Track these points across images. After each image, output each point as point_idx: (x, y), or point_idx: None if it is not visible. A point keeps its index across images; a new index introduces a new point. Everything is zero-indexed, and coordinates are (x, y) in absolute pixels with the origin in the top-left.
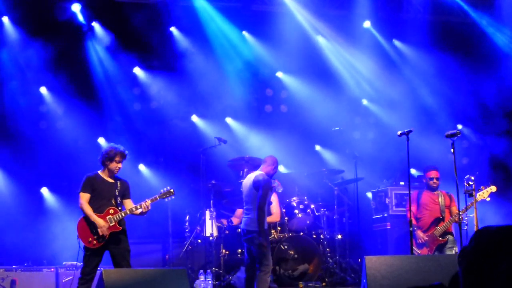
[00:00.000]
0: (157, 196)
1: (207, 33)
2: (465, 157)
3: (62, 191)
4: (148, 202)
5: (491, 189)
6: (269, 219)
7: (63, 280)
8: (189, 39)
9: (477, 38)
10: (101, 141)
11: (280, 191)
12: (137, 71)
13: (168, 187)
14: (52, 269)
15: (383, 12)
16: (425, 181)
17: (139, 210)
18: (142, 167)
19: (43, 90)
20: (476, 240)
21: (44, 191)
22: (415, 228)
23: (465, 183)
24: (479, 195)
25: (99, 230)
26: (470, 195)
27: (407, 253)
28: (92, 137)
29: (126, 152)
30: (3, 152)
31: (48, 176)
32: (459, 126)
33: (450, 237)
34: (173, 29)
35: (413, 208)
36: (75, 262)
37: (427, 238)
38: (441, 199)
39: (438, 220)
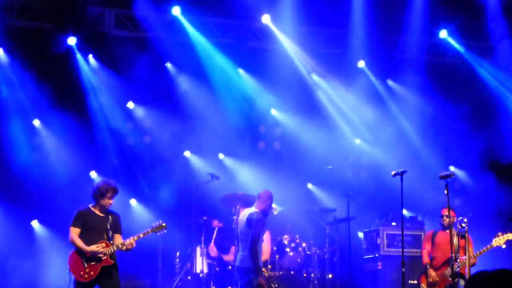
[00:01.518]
0: (149, 229)
1: (202, 69)
2: (457, 198)
3: (53, 224)
4: (133, 239)
5: (508, 236)
6: None
7: None
8: (184, 74)
9: (473, 82)
10: (93, 174)
11: (276, 213)
12: (131, 105)
13: (160, 221)
14: None
15: (378, 52)
16: (441, 220)
17: (124, 247)
18: (133, 202)
19: (36, 122)
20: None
21: (35, 224)
22: (428, 267)
23: (458, 225)
24: (495, 241)
25: (94, 250)
26: (462, 237)
27: None
28: (84, 170)
29: (118, 188)
30: None
31: (39, 208)
32: (452, 168)
33: (462, 281)
34: (168, 64)
35: (427, 246)
36: None
37: (437, 278)
38: (456, 239)
39: (449, 261)
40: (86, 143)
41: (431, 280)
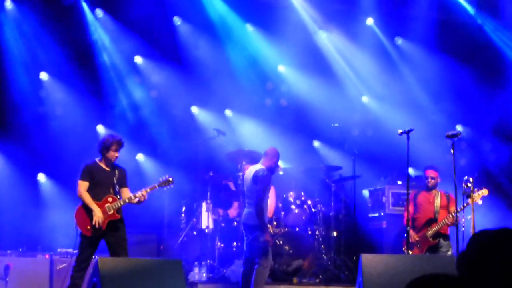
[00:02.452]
0: (155, 184)
1: (210, 24)
2: (463, 158)
3: (59, 177)
4: (145, 191)
5: (482, 192)
6: None
7: (57, 267)
8: (192, 29)
9: (483, 42)
10: (100, 128)
11: (281, 173)
12: (138, 59)
13: (167, 176)
14: (47, 256)
15: (386, 8)
16: (425, 180)
17: (136, 199)
18: (140, 156)
19: (43, 75)
20: (473, 245)
21: (41, 177)
22: (408, 228)
23: (463, 185)
24: (471, 199)
25: (94, 219)
26: (468, 196)
27: (403, 253)
28: (91, 124)
29: (123, 140)
30: (1, 136)
31: (45, 162)
32: (459, 127)
33: (442, 240)
34: (176, 18)
35: (411, 208)
36: (71, 249)
37: (418, 239)
38: (437, 200)
39: (431, 221)
40: (93, 97)
41: (412, 240)
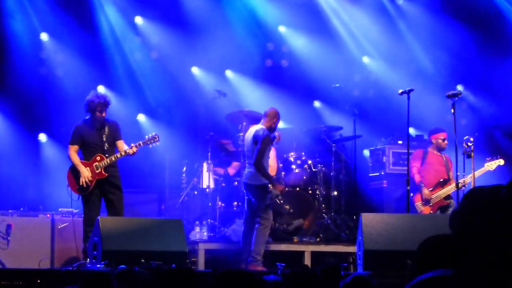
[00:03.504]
0: (140, 142)
1: None
2: (464, 118)
3: (60, 138)
4: (130, 150)
5: (499, 161)
6: None
7: (59, 226)
8: None
9: (486, 3)
10: (101, 89)
11: (277, 139)
12: (138, 20)
13: (154, 133)
14: (48, 215)
15: None
16: (435, 141)
17: (124, 154)
18: (141, 117)
19: (44, 36)
20: (465, 202)
21: (42, 137)
22: (422, 185)
23: (464, 144)
24: (487, 165)
25: (81, 179)
26: (469, 156)
27: (403, 212)
28: (92, 84)
29: (108, 100)
30: (1, 97)
31: (47, 122)
32: (459, 87)
33: (452, 201)
34: None
35: (417, 164)
36: (72, 209)
37: (433, 197)
38: (445, 162)
39: (443, 182)
40: (94, 57)
41: (426, 197)
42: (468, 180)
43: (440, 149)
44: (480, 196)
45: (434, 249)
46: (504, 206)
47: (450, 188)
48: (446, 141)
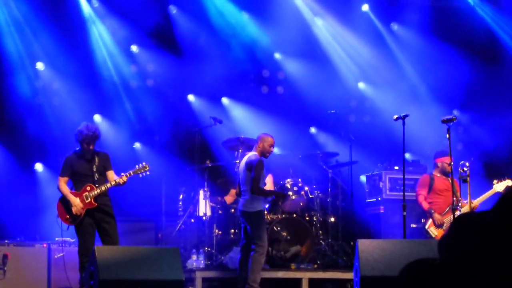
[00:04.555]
0: (131, 171)
1: (206, 12)
2: (460, 143)
3: (56, 167)
4: (120, 179)
5: (507, 182)
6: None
7: (55, 256)
8: (188, 17)
9: (479, 27)
10: (97, 118)
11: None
12: (134, 48)
13: (144, 163)
14: (45, 245)
15: None
16: (440, 164)
17: (114, 184)
18: (137, 145)
19: (40, 65)
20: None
21: (38, 166)
22: (432, 211)
23: (459, 169)
24: (497, 186)
25: (72, 208)
26: (464, 181)
27: (400, 238)
28: (88, 114)
29: (98, 133)
30: None
31: (42, 152)
32: (455, 112)
33: None
34: (172, 7)
35: (424, 192)
36: (69, 238)
37: (445, 221)
38: (452, 185)
39: (454, 206)
40: (90, 86)
41: (438, 222)
42: (479, 201)
43: (445, 173)
44: (468, 221)
45: (415, 274)
46: (491, 230)
47: (463, 211)
48: (450, 165)
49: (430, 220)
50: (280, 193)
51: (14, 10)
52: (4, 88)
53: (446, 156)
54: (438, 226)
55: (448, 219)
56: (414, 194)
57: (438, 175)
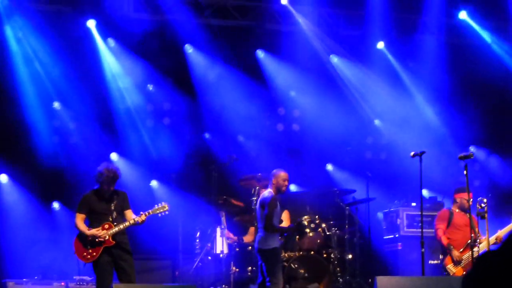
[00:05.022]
0: (150, 211)
1: (221, 51)
2: (477, 179)
3: (73, 205)
4: (139, 218)
5: None
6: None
7: None
8: (203, 56)
9: (493, 63)
10: (114, 156)
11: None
12: (150, 87)
13: (163, 203)
14: (63, 283)
15: (396, 33)
16: (459, 200)
17: (132, 222)
18: (154, 183)
19: (57, 104)
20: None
21: (56, 205)
22: (451, 248)
23: (477, 205)
24: None
25: (98, 235)
26: (482, 217)
27: (419, 275)
28: (105, 152)
29: (117, 174)
30: (15, 165)
31: (60, 190)
32: (472, 149)
33: None
34: (187, 46)
35: (443, 226)
36: (86, 277)
37: (463, 258)
38: (471, 221)
39: (472, 242)
40: (106, 125)
41: (457, 260)
42: (503, 233)
43: (463, 209)
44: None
45: None
46: None
47: (481, 247)
48: (470, 202)
49: (448, 257)
50: (292, 228)
51: (30, 50)
52: (22, 128)
53: (465, 192)
54: (457, 263)
55: (466, 256)
56: (432, 230)
57: (457, 210)
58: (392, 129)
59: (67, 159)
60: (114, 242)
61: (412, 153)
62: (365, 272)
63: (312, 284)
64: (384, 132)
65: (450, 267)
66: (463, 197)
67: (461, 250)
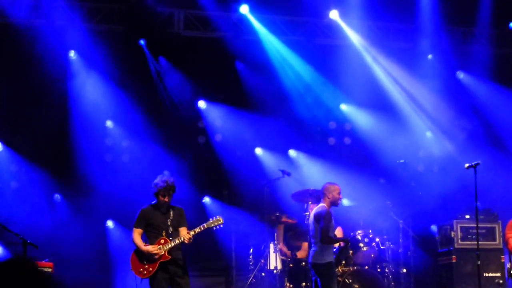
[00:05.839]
0: (204, 224)
1: (272, 66)
2: None
3: (128, 223)
4: (193, 231)
5: None
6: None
7: None
8: (254, 72)
9: None
10: (166, 173)
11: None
12: (202, 104)
13: (217, 216)
14: None
15: (446, 44)
16: None
17: (183, 239)
18: (207, 200)
19: (109, 123)
20: None
21: (109, 223)
22: None
23: None
24: None
25: (153, 252)
26: None
27: None
28: (157, 170)
29: (171, 184)
30: (69, 185)
31: (114, 209)
32: None
33: None
34: (238, 63)
35: None
36: None
37: None
38: None
39: None
40: (158, 143)
41: None
42: None
43: None
44: None
45: None
46: None
47: None
48: None
49: None
50: (347, 240)
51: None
52: (76, 147)
53: None
54: None
55: None
56: (486, 243)
57: None
58: (444, 141)
59: (120, 178)
60: (169, 257)
61: (466, 165)
62: (420, 286)
63: None
64: (436, 144)
65: None
66: None
67: None
